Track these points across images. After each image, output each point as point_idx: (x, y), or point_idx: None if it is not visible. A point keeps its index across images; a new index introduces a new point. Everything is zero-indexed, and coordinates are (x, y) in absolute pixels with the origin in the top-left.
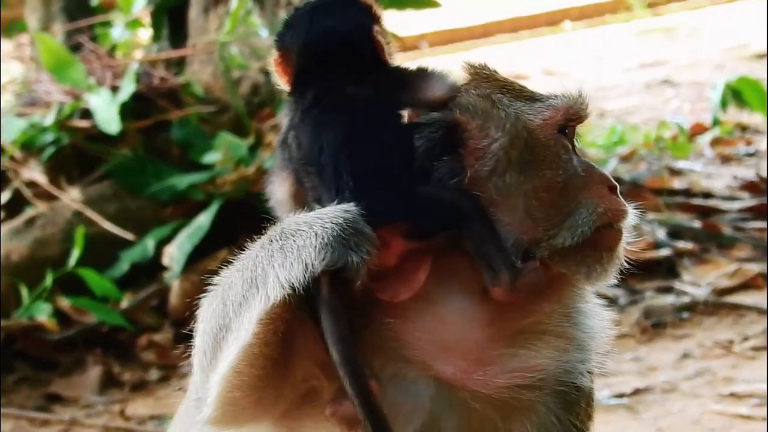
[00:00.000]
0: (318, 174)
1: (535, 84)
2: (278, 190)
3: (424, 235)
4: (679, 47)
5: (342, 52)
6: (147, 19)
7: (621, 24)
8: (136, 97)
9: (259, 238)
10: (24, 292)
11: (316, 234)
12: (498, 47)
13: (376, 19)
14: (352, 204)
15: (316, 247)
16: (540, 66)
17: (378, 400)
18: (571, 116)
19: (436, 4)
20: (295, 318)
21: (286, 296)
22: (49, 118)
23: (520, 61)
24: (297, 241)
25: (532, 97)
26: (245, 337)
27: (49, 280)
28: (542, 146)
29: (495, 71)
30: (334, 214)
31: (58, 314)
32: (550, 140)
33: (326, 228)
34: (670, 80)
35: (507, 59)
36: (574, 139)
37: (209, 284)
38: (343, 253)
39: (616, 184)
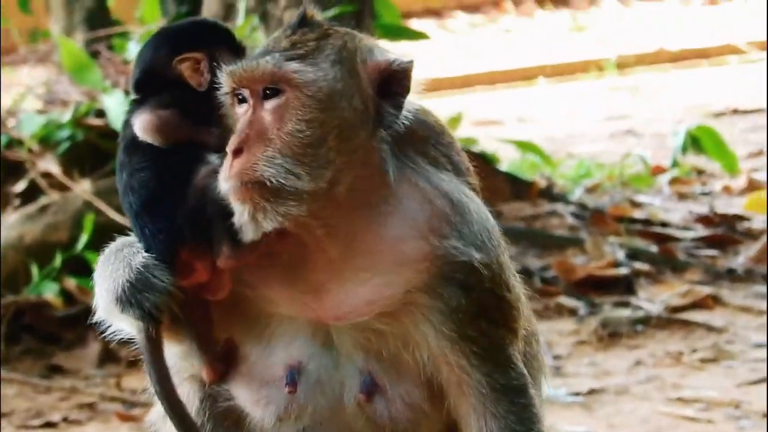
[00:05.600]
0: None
1: (509, 130)
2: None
3: (208, 244)
4: (642, 104)
5: (141, 81)
6: None
7: (591, 81)
8: None
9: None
10: (34, 271)
11: (107, 290)
12: (476, 96)
13: (191, 47)
14: (142, 254)
15: (106, 302)
16: (514, 115)
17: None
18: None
19: (425, 37)
20: None
21: None
22: (66, 116)
23: (495, 110)
24: (104, 282)
25: None
26: None
27: (57, 261)
28: None
29: None
30: (125, 269)
31: (64, 293)
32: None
33: (117, 283)
34: (633, 131)
35: (484, 107)
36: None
37: None
38: (125, 309)
39: (237, 147)
